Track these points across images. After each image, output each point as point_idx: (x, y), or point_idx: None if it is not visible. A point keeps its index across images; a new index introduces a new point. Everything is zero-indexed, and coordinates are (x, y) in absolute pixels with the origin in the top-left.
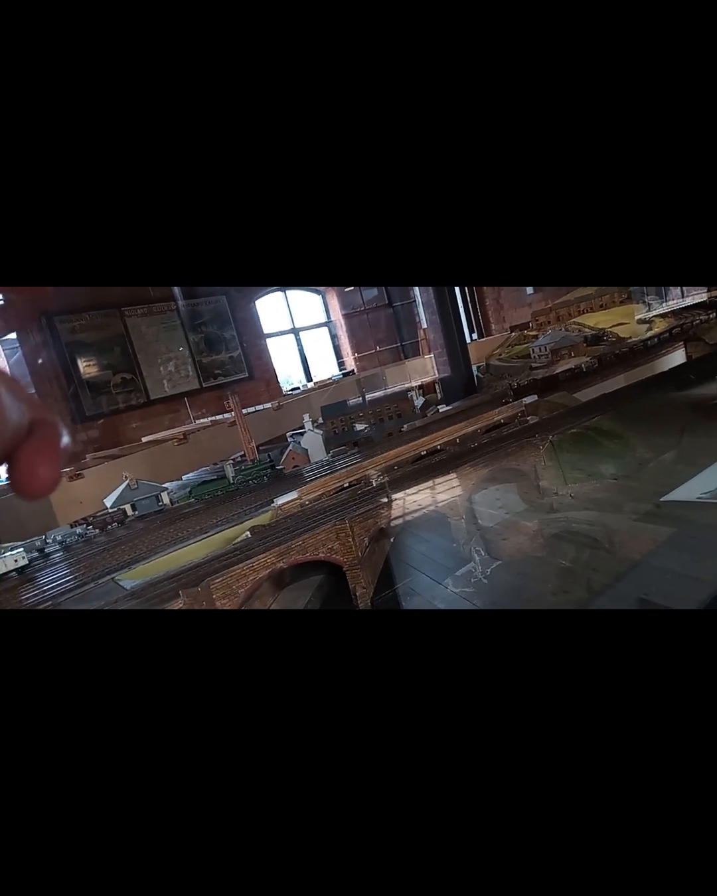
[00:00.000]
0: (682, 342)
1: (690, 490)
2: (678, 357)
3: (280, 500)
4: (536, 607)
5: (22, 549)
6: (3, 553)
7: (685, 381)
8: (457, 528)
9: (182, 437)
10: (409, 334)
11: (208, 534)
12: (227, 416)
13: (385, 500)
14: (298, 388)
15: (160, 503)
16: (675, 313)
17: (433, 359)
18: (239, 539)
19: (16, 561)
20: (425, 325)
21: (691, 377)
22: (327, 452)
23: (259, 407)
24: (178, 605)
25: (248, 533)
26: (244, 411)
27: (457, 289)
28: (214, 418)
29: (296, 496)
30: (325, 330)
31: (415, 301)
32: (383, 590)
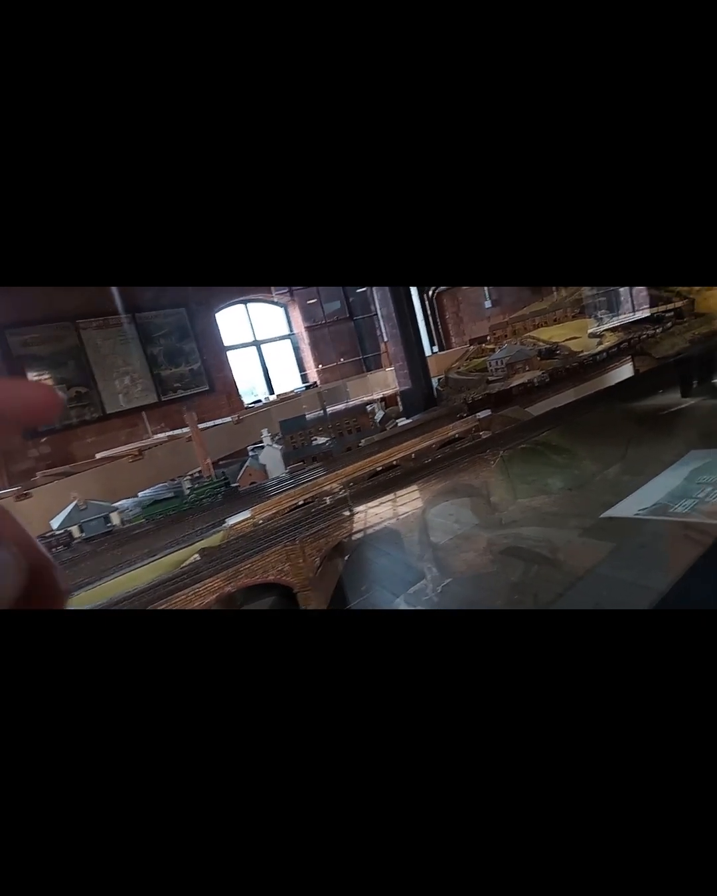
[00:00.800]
0: (630, 356)
1: (628, 507)
2: (626, 371)
3: (232, 520)
4: None
5: None
6: None
7: (631, 394)
8: (411, 544)
9: (137, 453)
10: (371, 347)
11: (156, 557)
12: (185, 430)
13: (339, 518)
14: (260, 400)
15: (109, 524)
16: (624, 327)
17: (394, 372)
18: (188, 562)
19: None
20: (386, 339)
21: (636, 390)
22: (286, 468)
23: (219, 421)
24: None
25: (197, 555)
26: (204, 425)
27: (418, 302)
28: (170, 433)
29: (249, 515)
30: (288, 342)
31: (376, 315)
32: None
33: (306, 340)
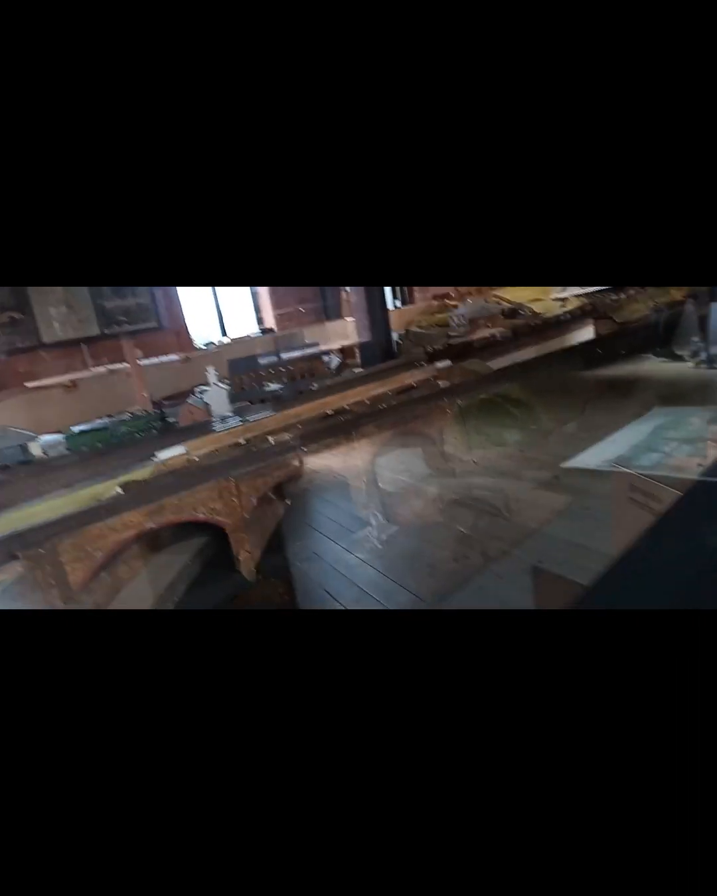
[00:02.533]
0: (592, 320)
1: (590, 459)
2: (587, 334)
3: (164, 455)
4: (432, 573)
5: None
6: None
7: (592, 357)
8: (357, 492)
9: (71, 384)
10: (332, 296)
11: (73, 488)
12: (126, 365)
13: (282, 459)
14: (212, 344)
15: (27, 453)
16: (588, 293)
17: (354, 323)
18: (107, 496)
19: None
20: (348, 288)
21: (597, 352)
22: (231, 408)
23: (165, 358)
24: (15, 569)
25: (119, 489)
26: (149, 361)
27: None
28: (111, 367)
29: (183, 451)
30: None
31: None
32: (271, 554)
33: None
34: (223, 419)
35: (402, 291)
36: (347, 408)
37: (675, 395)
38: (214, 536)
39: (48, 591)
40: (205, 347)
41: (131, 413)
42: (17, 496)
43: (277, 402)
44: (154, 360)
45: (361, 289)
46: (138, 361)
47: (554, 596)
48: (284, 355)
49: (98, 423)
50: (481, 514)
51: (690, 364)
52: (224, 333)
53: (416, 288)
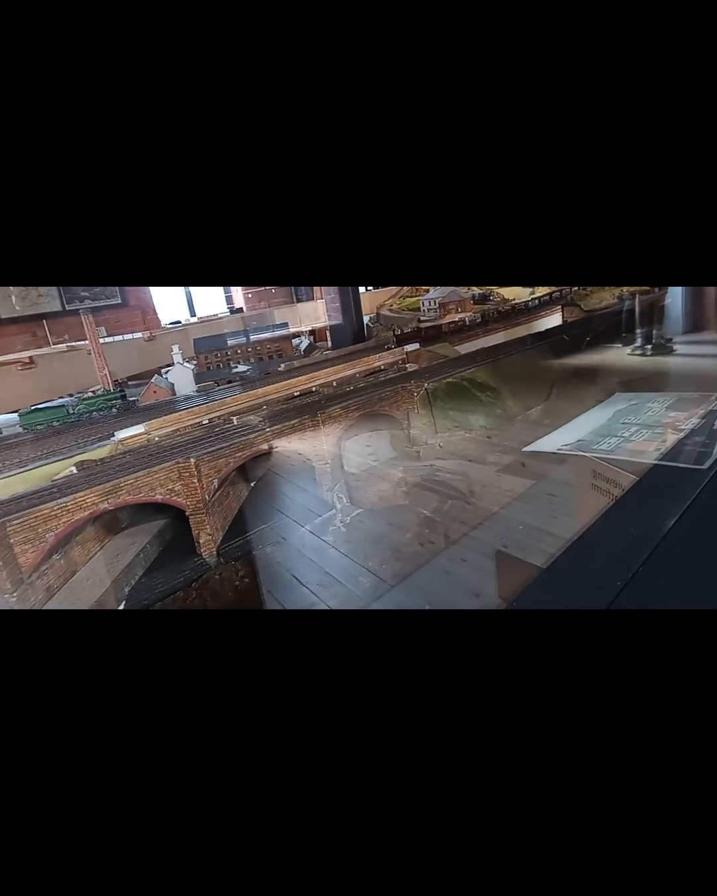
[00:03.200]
0: (560, 307)
1: (551, 442)
2: (554, 320)
3: (123, 434)
4: (394, 556)
5: None
6: None
7: (558, 343)
8: (322, 474)
9: (28, 360)
10: None
11: (25, 467)
12: (86, 343)
13: (246, 440)
14: (179, 323)
15: None
16: None
17: (325, 305)
18: (61, 475)
19: None
20: None
21: (564, 338)
22: (195, 388)
23: (128, 335)
24: None
25: (73, 469)
26: (109, 339)
27: None
28: (71, 344)
29: (142, 430)
30: None
31: None
32: (233, 537)
33: None
34: (188, 399)
35: None
36: (314, 389)
37: (637, 381)
38: (174, 519)
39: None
40: (171, 326)
41: (91, 392)
42: None
43: (245, 383)
44: (117, 337)
45: None
46: (100, 339)
47: (515, 578)
48: (253, 336)
49: (56, 401)
50: (444, 497)
51: (626, 350)
52: (192, 313)
53: None
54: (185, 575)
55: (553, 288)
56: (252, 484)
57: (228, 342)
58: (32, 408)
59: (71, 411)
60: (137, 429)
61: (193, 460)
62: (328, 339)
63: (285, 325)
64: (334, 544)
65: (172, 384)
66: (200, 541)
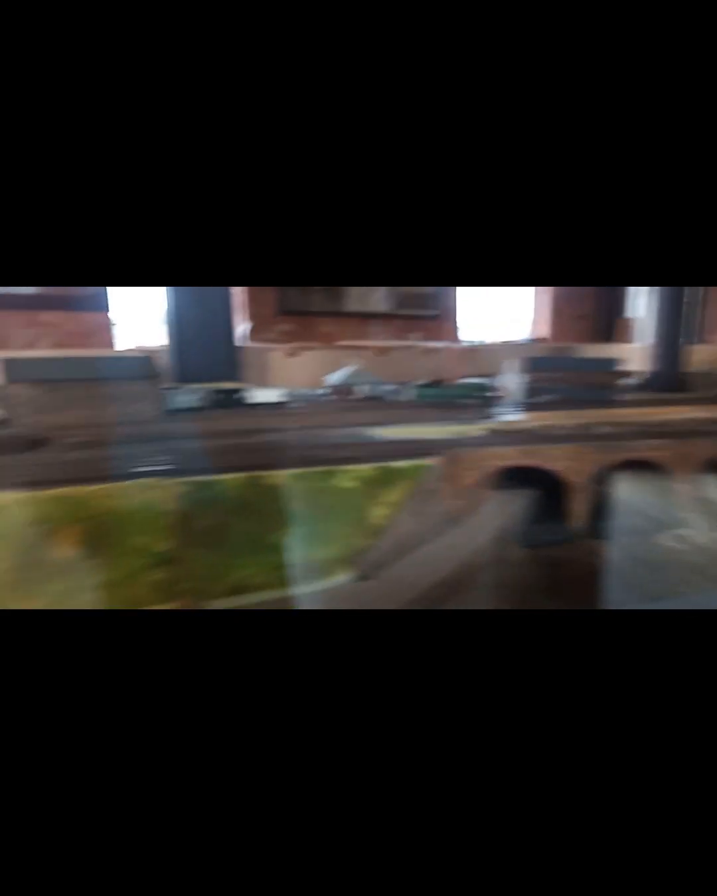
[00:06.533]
0: None
1: None
2: None
3: (507, 417)
4: None
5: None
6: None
7: None
8: (679, 494)
9: (381, 349)
10: (604, 316)
11: (446, 423)
12: (427, 343)
13: (617, 444)
14: (480, 341)
15: (378, 391)
16: None
17: (643, 350)
18: (477, 434)
19: (278, 396)
20: (628, 315)
21: None
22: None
23: (436, 343)
24: (435, 460)
25: (492, 430)
26: (429, 344)
27: (685, 289)
28: (406, 343)
29: (525, 417)
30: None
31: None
32: (595, 522)
33: (547, 289)
34: (549, 401)
35: (697, 331)
36: (669, 422)
37: None
38: (545, 494)
39: (451, 483)
40: (468, 343)
41: (458, 383)
42: (384, 420)
43: (571, 404)
44: (430, 343)
45: (654, 319)
46: (422, 343)
47: None
48: (584, 367)
49: (446, 385)
50: None
51: None
52: (491, 336)
53: (713, 331)
54: (553, 535)
55: None
56: (600, 485)
57: (559, 365)
58: (422, 384)
59: (453, 392)
60: (521, 415)
61: (589, 447)
62: (647, 380)
63: (618, 360)
64: (687, 553)
65: (509, 390)
66: (572, 512)
